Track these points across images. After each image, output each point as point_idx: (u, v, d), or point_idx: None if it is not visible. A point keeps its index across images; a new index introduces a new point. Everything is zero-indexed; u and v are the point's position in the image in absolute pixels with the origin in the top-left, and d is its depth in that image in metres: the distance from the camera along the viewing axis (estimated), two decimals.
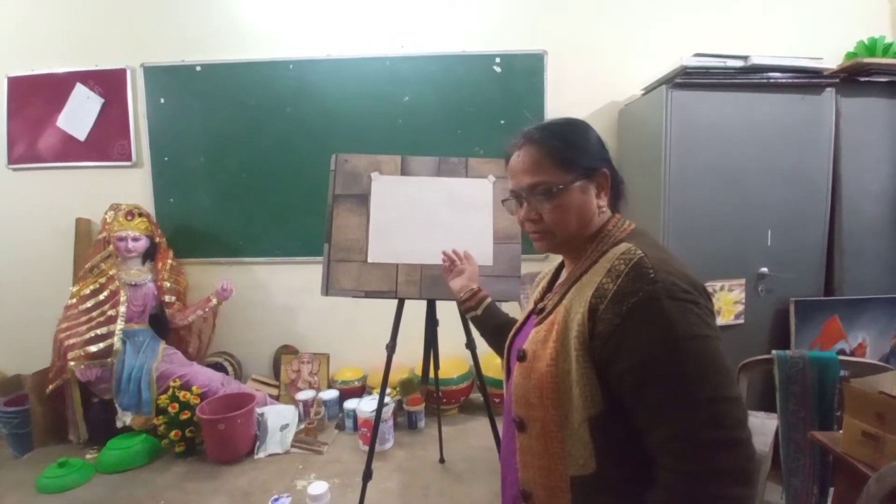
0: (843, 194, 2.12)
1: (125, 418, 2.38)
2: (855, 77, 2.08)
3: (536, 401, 0.73)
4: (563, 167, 0.78)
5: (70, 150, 2.84)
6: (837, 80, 2.06)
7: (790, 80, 2.04)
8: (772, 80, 2.04)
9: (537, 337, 0.77)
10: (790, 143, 2.08)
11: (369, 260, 1.63)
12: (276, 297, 2.93)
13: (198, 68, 2.75)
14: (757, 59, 2.01)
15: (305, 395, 2.70)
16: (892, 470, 1.00)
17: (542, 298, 0.88)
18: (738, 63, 2.03)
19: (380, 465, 2.20)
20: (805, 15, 2.58)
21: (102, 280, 2.51)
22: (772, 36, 2.56)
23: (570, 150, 0.79)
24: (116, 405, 2.39)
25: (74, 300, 2.49)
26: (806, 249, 2.13)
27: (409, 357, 2.51)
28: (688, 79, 2.03)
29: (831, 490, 1.50)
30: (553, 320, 0.75)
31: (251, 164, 2.80)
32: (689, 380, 0.62)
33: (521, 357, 0.78)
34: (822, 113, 2.08)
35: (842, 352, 2.04)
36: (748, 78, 2.04)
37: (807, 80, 2.05)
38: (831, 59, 2.12)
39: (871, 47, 2.25)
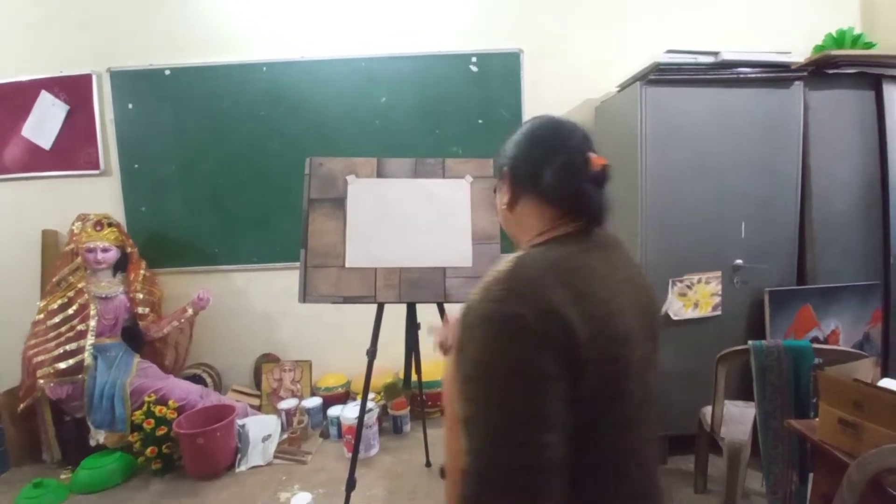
0: (812, 185, 2.17)
1: (98, 437, 2.29)
2: (823, 70, 2.13)
3: (447, 389, 0.73)
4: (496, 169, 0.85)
5: (35, 160, 2.73)
6: (805, 74, 2.11)
7: (759, 75, 2.08)
8: (742, 76, 2.08)
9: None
10: (761, 136, 2.12)
11: (347, 265, 1.60)
12: (255, 304, 2.87)
13: (167, 72, 2.68)
14: (727, 55, 2.04)
15: (288, 403, 2.65)
16: (873, 457, 1.02)
17: None
18: (709, 59, 2.06)
19: (366, 472, 2.17)
20: (774, 10, 2.64)
21: (71, 294, 2.42)
22: (742, 31, 2.61)
23: (500, 151, 0.83)
24: (89, 423, 2.30)
25: (42, 315, 2.40)
26: (778, 240, 2.17)
27: (393, 361, 2.49)
28: (661, 75, 2.05)
29: (811, 476, 1.52)
30: None
31: (225, 170, 2.74)
32: (476, 406, 0.60)
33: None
34: (791, 106, 2.12)
35: (815, 339, 2.09)
36: (719, 73, 2.07)
37: (775, 75, 2.09)
38: (800, 53, 2.17)
39: (839, 39, 2.31)
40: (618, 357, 0.64)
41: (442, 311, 1.69)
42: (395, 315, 1.81)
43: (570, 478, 0.59)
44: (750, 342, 1.63)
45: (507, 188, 0.80)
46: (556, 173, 0.74)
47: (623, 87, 2.35)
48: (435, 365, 2.58)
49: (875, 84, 2.15)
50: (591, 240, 0.73)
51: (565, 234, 0.73)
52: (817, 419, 1.28)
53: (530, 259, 0.66)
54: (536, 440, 0.56)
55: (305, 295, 1.57)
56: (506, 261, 0.67)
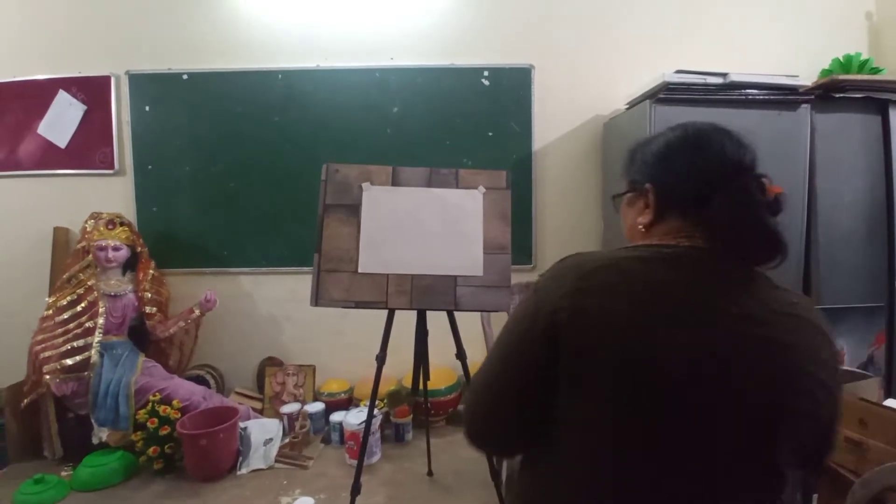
0: (818, 207, 2.20)
1: (101, 434, 2.29)
2: (830, 94, 2.16)
3: None
4: (625, 176, 0.82)
5: (50, 158, 2.77)
6: (812, 97, 2.15)
7: (767, 97, 2.12)
8: (750, 97, 2.11)
9: None
10: (767, 157, 2.09)
11: (360, 270, 1.62)
12: (261, 307, 2.88)
13: (185, 76, 2.73)
14: (736, 77, 2.08)
15: (290, 408, 2.65)
16: (877, 475, 1.02)
17: None
18: (718, 80, 2.10)
19: (367, 479, 2.16)
20: (783, 33, 2.69)
21: (80, 291, 2.44)
22: (751, 53, 2.66)
23: (629, 159, 0.81)
24: (92, 420, 2.30)
25: (51, 311, 2.41)
26: (784, 261, 2.18)
27: (396, 368, 2.49)
28: (670, 94, 2.09)
29: (815, 497, 1.52)
30: None
31: (237, 174, 2.77)
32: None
33: None
34: (798, 128, 2.16)
35: None
36: (727, 94, 2.11)
37: (783, 97, 2.13)
38: (808, 77, 2.21)
39: (846, 64, 2.35)
40: (609, 362, 0.60)
41: (452, 320, 1.70)
42: (402, 322, 1.82)
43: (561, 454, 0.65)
44: None
45: (649, 207, 0.73)
46: (730, 203, 0.65)
47: (632, 104, 2.39)
48: (442, 373, 2.59)
49: (881, 109, 2.19)
50: (675, 252, 0.66)
51: (649, 245, 0.70)
52: None
53: (574, 257, 0.69)
54: (495, 404, 0.71)
55: (318, 298, 1.59)
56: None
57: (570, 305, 0.62)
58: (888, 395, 2.08)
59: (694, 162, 0.71)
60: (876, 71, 2.33)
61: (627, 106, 2.45)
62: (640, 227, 0.74)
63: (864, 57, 2.35)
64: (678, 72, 2.08)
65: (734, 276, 0.66)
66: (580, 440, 0.63)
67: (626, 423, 0.60)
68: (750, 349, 0.60)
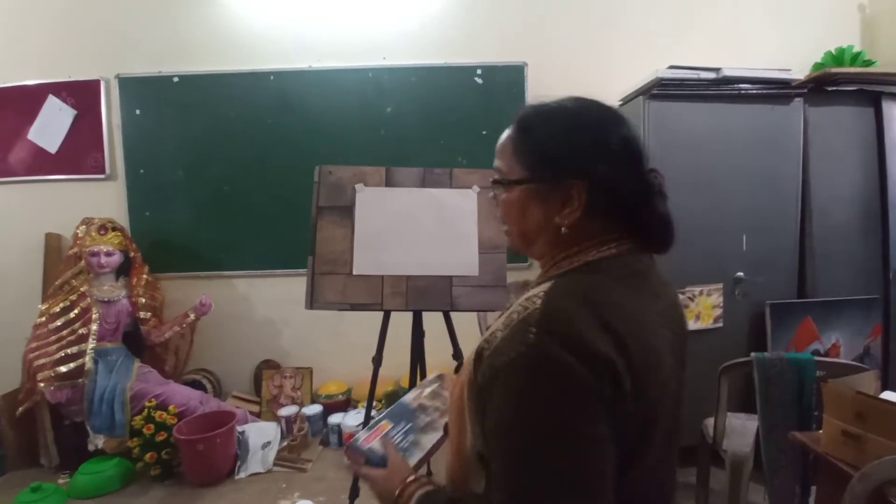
0: (812, 200, 2.20)
1: (97, 441, 2.28)
2: (823, 87, 2.17)
3: (453, 418, 0.68)
4: (521, 161, 0.64)
5: (40, 164, 2.75)
6: (805, 90, 2.15)
7: (760, 91, 2.12)
8: (743, 91, 2.12)
9: (468, 357, 0.66)
10: (761, 151, 2.15)
11: (354, 272, 1.61)
12: (257, 310, 2.87)
13: (175, 79, 2.71)
14: (728, 72, 2.08)
15: (288, 410, 2.64)
16: (876, 468, 1.03)
17: None
18: (711, 75, 2.10)
19: None
20: (775, 27, 2.69)
21: (73, 297, 2.42)
22: (743, 48, 2.65)
23: (536, 142, 0.64)
24: (88, 428, 2.29)
25: (44, 318, 2.40)
26: (779, 253, 2.20)
27: (394, 370, 2.47)
28: (663, 90, 2.09)
29: (813, 489, 1.53)
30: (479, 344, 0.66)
31: (231, 177, 2.75)
32: (521, 473, 0.52)
33: (457, 370, 0.75)
34: (791, 122, 2.16)
35: (816, 352, 2.10)
36: (720, 89, 2.11)
37: (776, 91, 2.13)
38: (800, 70, 2.21)
39: (838, 57, 2.35)
40: (656, 406, 0.58)
41: (448, 320, 1.69)
42: (398, 324, 1.82)
43: None
44: (753, 354, 1.64)
45: (573, 204, 0.62)
46: (661, 196, 0.64)
47: (626, 100, 2.38)
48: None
49: (874, 101, 2.20)
50: (626, 264, 0.63)
51: (597, 259, 0.62)
52: (820, 431, 1.29)
53: (565, 295, 0.57)
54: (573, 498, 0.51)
55: (312, 302, 1.58)
56: (536, 297, 0.57)
57: (624, 363, 0.53)
58: (885, 387, 2.08)
59: (627, 148, 0.63)
60: (868, 63, 2.33)
61: (621, 102, 2.45)
62: (564, 228, 0.63)
63: (856, 49, 2.35)
64: (671, 67, 2.08)
65: (648, 268, 0.66)
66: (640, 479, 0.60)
67: (649, 452, 0.60)
68: (676, 332, 0.65)
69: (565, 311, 0.55)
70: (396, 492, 0.68)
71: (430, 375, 0.93)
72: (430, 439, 0.79)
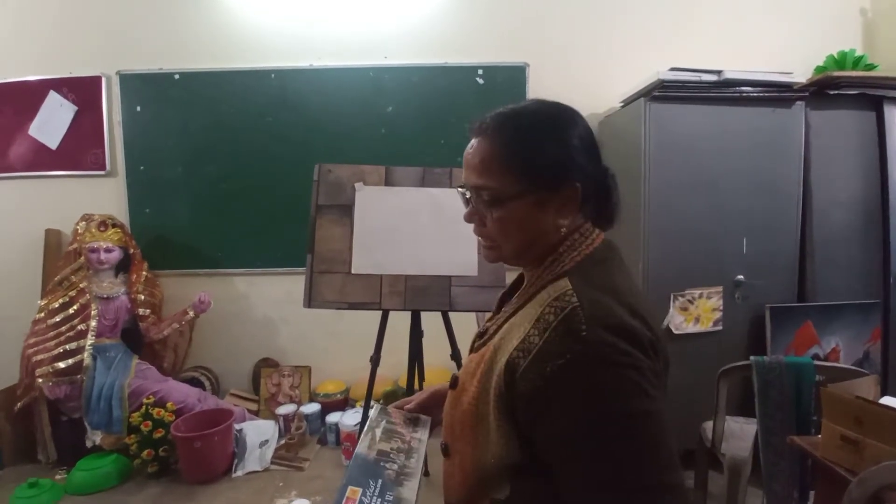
0: (813, 203, 2.19)
1: (95, 437, 2.28)
2: (824, 90, 2.16)
3: (459, 433, 0.67)
4: (516, 174, 0.63)
5: (41, 159, 2.74)
6: (807, 94, 2.14)
7: (761, 94, 2.11)
8: (744, 94, 2.11)
9: (468, 367, 0.68)
10: (763, 154, 2.14)
11: (353, 271, 1.61)
12: (256, 309, 2.86)
13: (176, 76, 2.71)
14: (730, 74, 2.07)
15: (286, 409, 2.64)
16: (874, 474, 1.02)
17: (497, 312, 0.76)
18: (712, 77, 2.09)
19: None
20: (777, 30, 2.69)
21: (72, 293, 2.42)
22: (745, 51, 2.65)
23: (529, 152, 0.63)
24: (86, 424, 2.29)
25: (43, 314, 2.40)
26: (779, 257, 2.19)
27: (392, 369, 2.48)
28: (664, 92, 2.08)
29: (811, 493, 1.52)
30: (483, 354, 0.66)
31: (231, 174, 2.75)
32: (622, 465, 0.52)
33: (453, 384, 0.71)
34: (793, 125, 2.15)
35: (815, 357, 2.09)
36: (722, 92, 2.10)
37: (777, 94, 2.12)
38: (802, 74, 2.20)
39: (840, 60, 2.35)
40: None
41: (446, 320, 1.69)
42: (396, 323, 1.82)
43: None
44: (752, 358, 1.64)
45: (573, 204, 0.64)
46: (612, 179, 0.69)
47: (627, 102, 2.38)
48: (437, 374, 2.58)
49: (876, 105, 2.19)
50: (612, 250, 0.67)
51: (595, 250, 0.65)
52: (819, 436, 1.29)
53: (588, 290, 0.58)
54: (681, 481, 0.54)
55: (311, 300, 1.58)
56: (559, 297, 0.58)
57: (651, 341, 0.58)
58: (884, 392, 2.08)
59: (593, 141, 0.68)
60: (870, 67, 2.32)
61: (622, 104, 2.44)
62: (564, 229, 0.65)
63: (858, 53, 2.35)
64: (673, 69, 2.07)
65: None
66: None
67: None
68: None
69: (602, 303, 0.57)
70: None
71: (371, 412, 0.85)
72: (410, 489, 0.70)
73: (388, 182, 1.67)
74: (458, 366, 1.75)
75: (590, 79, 2.73)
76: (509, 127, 0.66)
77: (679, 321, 2.12)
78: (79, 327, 2.36)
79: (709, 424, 1.83)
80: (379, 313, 1.69)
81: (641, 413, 0.53)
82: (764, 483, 1.62)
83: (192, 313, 2.54)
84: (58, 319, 2.38)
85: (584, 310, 0.56)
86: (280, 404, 2.71)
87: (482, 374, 0.63)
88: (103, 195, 2.75)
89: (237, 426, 2.39)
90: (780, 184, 2.17)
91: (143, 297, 2.53)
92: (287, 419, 2.59)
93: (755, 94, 2.11)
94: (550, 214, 0.64)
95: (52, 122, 2.73)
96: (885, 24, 2.64)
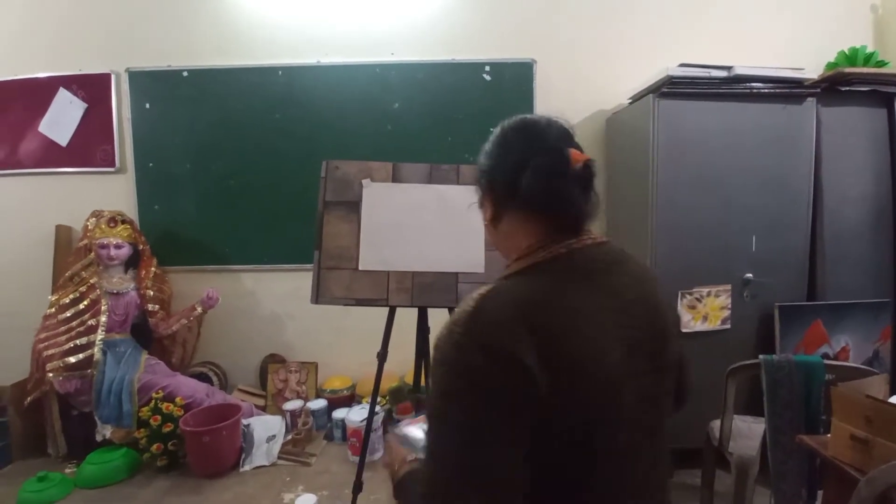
0: (824, 201, 2.17)
1: (105, 431, 2.30)
2: (835, 87, 2.14)
3: None
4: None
5: (51, 156, 2.77)
6: (818, 90, 2.12)
7: (772, 90, 2.09)
8: (754, 90, 2.09)
9: None
10: (773, 150, 2.12)
11: (360, 267, 1.61)
12: (263, 305, 2.88)
13: (185, 73, 2.72)
14: (740, 70, 2.05)
15: (293, 405, 2.65)
16: (883, 473, 1.01)
17: None
18: (722, 73, 2.07)
19: (370, 476, 2.16)
20: (787, 26, 2.66)
21: (83, 289, 2.45)
22: (755, 47, 2.62)
23: (477, 162, 0.77)
24: (96, 418, 2.31)
25: (53, 309, 2.42)
26: (789, 255, 2.17)
27: (399, 365, 2.49)
28: (673, 88, 2.07)
29: (820, 493, 1.51)
30: None
31: (239, 171, 2.77)
32: (432, 463, 0.60)
33: None
34: (804, 122, 2.13)
35: (825, 356, 2.08)
36: (732, 88, 2.09)
37: (788, 90, 2.10)
38: (813, 70, 2.18)
39: (851, 57, 2.32)
40: (595, 401, 0.59)
41: None
42: (403, 320, 1.82)
43: None
44: (761, 356, 1.63)
45: (488, 203, 0.74)
46: (533, 177, 0.66)
47: (635, 98, 2.36)
48: None
49: (887, 102, 2.16)
50: (575, 264, 0.66)
51: (548, 259, 0.66)
52: (828, 435, 1.28)
53: (497, 297, 0.61)
54: (471, 494, 0.55)
55: (318, 296, 1.59)
56: (472, 298, 0.61)
57: (543, 363, 0.56)
58: (894, 391, 2.06)
59: (506, 151, 0.74)
60: (882, 64, 2.29)
61: (630, 100, 2.43)
62: (487, 222, 0.78)
63: (869, 50, 2.32)
64: (682, 65, 2.05)
65: (612, 265, 0.69)
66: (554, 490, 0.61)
67: (604, 456, 0.61)
68: (653, 342, 0.67)
69: (491, 314, 0.59)
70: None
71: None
72: None
73: (396, 178, 1.67)
74: None
75: (597, 75, 2.71)
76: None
77: (687, 319, 2.11)
78: (89, 322, 2.39)
79: (716, 423, 1.82)
80: (386, 310, 1.69)
81: (470, 425, 0.56)
82: (772, 482, 1.61)
83: (200, 309, 2.56)
84: (68, 315, 2.40)
85: (468, 317, 0.59)
86: (287, 400, 2.73)
87: None
88: (113, 191, 2.77)
89: (245, 421, 2.41)
90: (790, 181, 2.15)
91: (152, 293, 2.56)
92: (294, 415, 2.60)
93: (766, 91, 2.09)
94: (486, 216, 0.75)
95: (61, 119, 2.75)
96: None
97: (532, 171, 0.66)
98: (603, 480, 0.62)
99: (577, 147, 0.69)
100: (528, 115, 0.75)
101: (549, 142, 0.69)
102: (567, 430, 0.58)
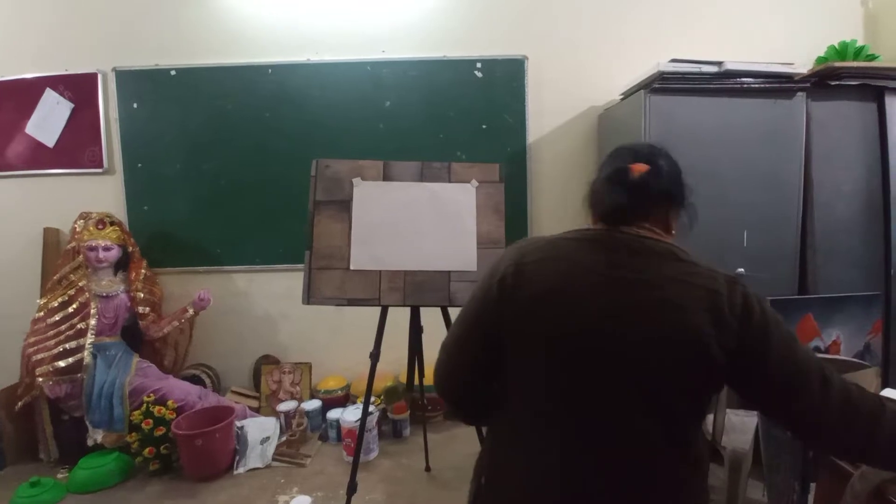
0: (814, 195, 2.18)
1: (96, 436, 2.28)
2: (826, 81, 2.14)
3: None
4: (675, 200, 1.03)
5: (38, 157, 2.73)
6: (808, 85, 2.12)
7: (763, 85, 2.10)
8: (745, 86, 2.09)
9: None
10: (764, 145, 2.13)
11: (352, 267, 1.60)
12: (257, 305, 2.86)
13: (173, 72, 2.69)
14: (731, 65, 2.05)
15: (287, 406, 2.64)
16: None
17: None
18: (713, 69, 2.08)
19: (365, 476, 2.16)
20: (778, 21, 2.66)
21: (71, 292, 2.41)
22: (746, 42, 2.63)
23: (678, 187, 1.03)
24: (87, 422, 2.29)
25: (42, 313, 2.39)
26: (780, 249, 2.18)
27: (393, 365, 2.48)
28: (665, 84, 2.07)
29: (813, 486, 1.52)
30: None
31: (229, 170, 2.74)
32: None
33: None
34: (794, 116, 2.14)
35: (817, 349, 2.08)
36: (722, 83, 2.09)
37: (778, 85, 2.11)
38: (803, 65, 2.19)
39: (842, 51, 2.33)
40: (545, 322, 0.78)
41: (446, 315, 1.69)
42: (397, 319, 1.81)
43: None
44: None
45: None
46: (589, 186, 0.92)
47: (627, 94, 2.36)
48: None
49: (877, 96, 2.17)
50: (592, 238, 0.85)
51: (577, 231, 0.88)
52: None
53: (518, 243, 0.89)
54: (454, 366, 0.90)
55: (310, 296, 1.57)
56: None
57: (513, 271, 0.82)
58: (885, 384, 2.08)
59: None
60: (872, 58, 2.30)
61: (622, 96, 2.43)
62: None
63: (859, 44, 2.33)
64: (673, 61, 2.05)
65: (634, 248, 0.81)
66: (522, 396, 0.82)
67: (556, 378, 0.78)
68: (644, 306, 0.76)
69: (506, 251, 0.89)
70: None
71: None
72: None
73: (387, 177, 1.65)
74: None
75: (589, 71, 2.71)
76: None
77: None
78: (78, 326, 2.36)
79: (710, 417, 1.83)
80: (378, 309, 1.68)
81: (464, 314, 0.89)
82: (765, 476, 1.62)
83: (192, 311, 2.53)
84: (57, 318, 2.37)
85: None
86: (281, 401, 2.71)
87: None
88: (101, 193, 2.73)
89: (238, 423, 2.39)
90: (781, 175, 2.16)
91: (142, 296, 2.53)
92: (288, 416, 2.59)
93: (756, 86, 2.09)
94: None
95: (48, 120, 2.71)
96: (887, 14, 2.61)
97: (591, 182, 0.91)
98: (555, 394, 0.79)
99: (649, 162, 0.87)
100: (631, 144, 0.95)
101: (618, 161, 0.89)
102: (518, 331, 0.81)
